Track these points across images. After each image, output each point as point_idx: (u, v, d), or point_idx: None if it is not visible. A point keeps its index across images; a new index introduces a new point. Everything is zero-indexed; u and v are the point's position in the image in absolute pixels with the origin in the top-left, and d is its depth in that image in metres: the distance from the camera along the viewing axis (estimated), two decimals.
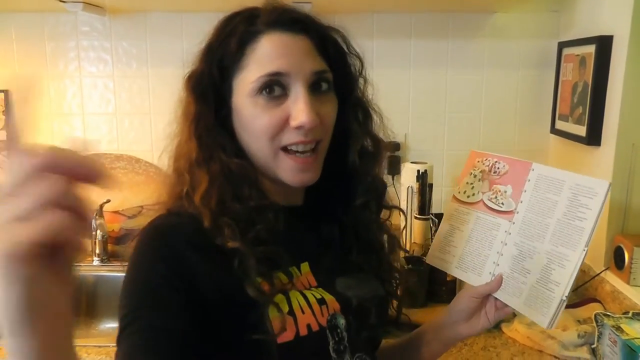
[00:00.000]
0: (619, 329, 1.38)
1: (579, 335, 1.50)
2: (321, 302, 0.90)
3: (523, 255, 1.06)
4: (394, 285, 1.09)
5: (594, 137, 1.80)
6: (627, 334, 1.35)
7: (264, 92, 0.88)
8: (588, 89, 1.82)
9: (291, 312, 0.85)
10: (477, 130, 2.13)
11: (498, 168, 1.14)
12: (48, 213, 0.44)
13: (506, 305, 1.07)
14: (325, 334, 0.89)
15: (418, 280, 1.64)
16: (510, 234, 1.09)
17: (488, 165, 1.17)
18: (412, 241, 1.82)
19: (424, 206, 1.80)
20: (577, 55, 1.92)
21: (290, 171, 0.91)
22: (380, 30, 2.11)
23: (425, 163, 1.86)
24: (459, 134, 2.16)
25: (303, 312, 0.87)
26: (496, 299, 1.08)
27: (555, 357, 1.51)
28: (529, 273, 1.05)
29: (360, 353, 0.94)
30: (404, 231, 1.84)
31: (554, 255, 1.02)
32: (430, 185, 1.80)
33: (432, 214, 1.83)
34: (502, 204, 1.12)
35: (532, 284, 1.03)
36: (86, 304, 1.94)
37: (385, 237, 1.09)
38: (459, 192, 1.21)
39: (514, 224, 1.09)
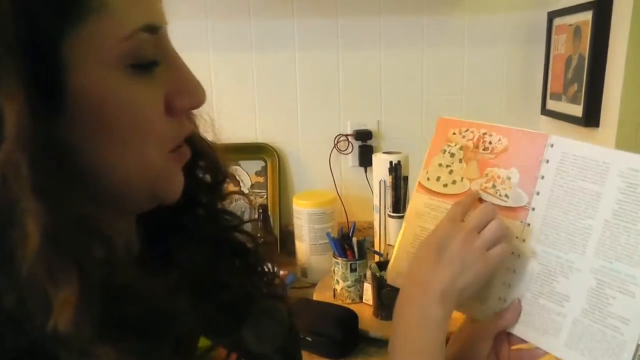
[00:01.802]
0: None
1: None
2: None
3: (551, 273, 0.74)
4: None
5: (591, 118, 1.59)
6: None
7: (137, 59, 0.50)
8: (584, 63, 1.60)
9: None
10: (458, 115, 1.85)
11: (490, 143, 0.81)
12: (501, 245, 0.74)
13: (532, 346, 0.77)
14: None
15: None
16: (524, 241, 0.77)
17: (472, 139, 0.83)
18: (387, 243, 1.57)
19: (398, 202, 1.52)
20: (571, 25, 1.69)
21: (179, 182, 0.58)
22: (345, 7, 1.85)
23: (400, 153, 1.60)
24: None
25: None
26: (511, 335, 0.79)
27: None
28: (568, 300, 0.73)
29: None
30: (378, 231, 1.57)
31: (608, 276, 0.70)
32: (406, 179, 1.53)
33: None
34: (506, 196, 0.79)
35: (576, 317, 0.72)
36: None
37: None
38: (427, 179, 0.85)
39: (528, 226, 0.77)
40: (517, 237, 0.77)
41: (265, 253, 0.73)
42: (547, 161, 0.77)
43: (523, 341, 0.78)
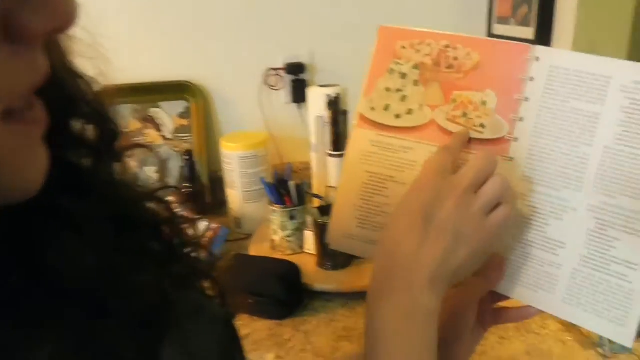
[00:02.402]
0: None
1: None
2: None
3: (541, 216, 0.61)
4: None
5: (544, 39, 1.48)
6: None
7: None
8: None
9: None
10: None
11: (456, 59, 0.63)
12: (504, 207, 0.58)
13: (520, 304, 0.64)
14: None
15: None
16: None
17: (431, 55, 0.65)
18: (327, 185, 1.41)
19: (338, 139, 1.37)
20: None
21: (35, 167, 0.33)
22: None
23: (338, 85, 1.43)
24: None
25: None
26: (495, 294, 0.66)
27: None
28: (563, 247, 0.60)
29: None
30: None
31: (610, 214, 0.58)
32: (345, 113, 1.37)
33: None
34: (482, 126, 0.63)
35: (574, 267, 0.60)
36: None
37: None
38: (372, 108, 0.67)
39: (511, 160, 0.62)
40: None
41: (186, 225, 0.51)
42: (532, 79, 0.62)
43: (508, 298, 0.65)
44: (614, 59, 0.59)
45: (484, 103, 0.63)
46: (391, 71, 0.66)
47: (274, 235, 1.34)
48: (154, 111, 1.65)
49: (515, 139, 0.62)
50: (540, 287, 0.62)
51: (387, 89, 0.66)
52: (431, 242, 0.55)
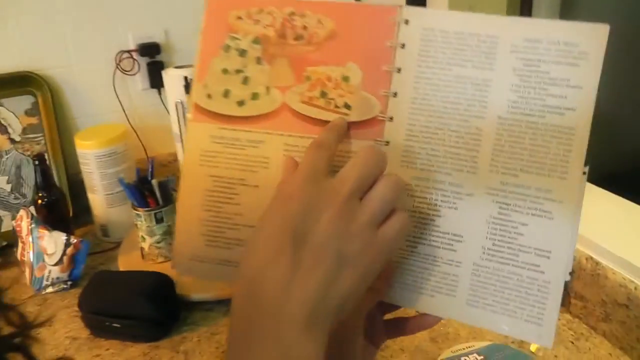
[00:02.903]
0: None
1: None
2: None
3: (431, 208, 0.51)
4: None
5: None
6: None
7: None
8: None
9: None
10: None
11: (305, 28, 0.51)
12: (398, 216, 0.45)
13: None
14: None
15: None
16: None
17: (273, 25, 0.53)
18: None
19: None
20: None
21: None
22: None
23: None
24: None
25: None
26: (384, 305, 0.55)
27: None
28: (460, 241, 0.51)
29: None
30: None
31: (513, 196, 0.50)
32: None
33: None
34: (347, 106, 0.51)
35: (476, 262, 0.51)
36: None
37: None
38: (208, 96, 0.54)
39: (387, 144, 0.51)
40: None
41: None
42: (403, 46, 0.51)
43: (399, 307, 0.54)
44: (499, 15, 0.49)
45: (345, 79, 0.51)
46: (227, 48, 0.52)
47: (142, 243, 1.19)
48: None
49: (390, 119, 0.51)
50: (438, 291, 0.51)
51: (225, 71, 0.52)
52: (304, 272, 0.42)
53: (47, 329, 1.02)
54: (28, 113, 1.46)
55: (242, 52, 0.52)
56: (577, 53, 0.47)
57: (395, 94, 0.51)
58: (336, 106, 0.51)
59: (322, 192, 0.44)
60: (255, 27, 0.52)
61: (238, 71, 0.52)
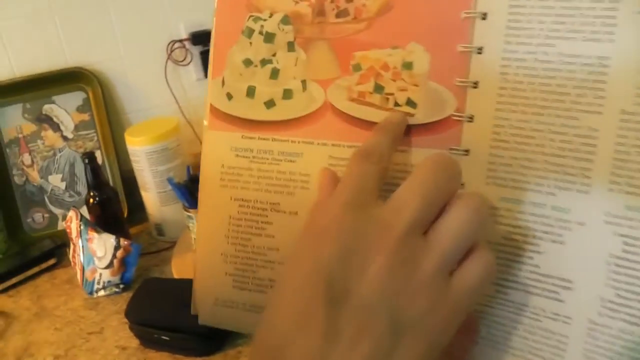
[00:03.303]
0: None
1: None
2: None
3: (529, 241, 0.37)
4: None
5: None
6: None
7: None
8: None
9: None
10: None
11: (349, 0, 0.40)
12: (480, 256, 0.33)
13: None
14: None
15: None
16: (463, 186, 0.38)
17: None
18: None
19: None
20: None
21: None
22: None
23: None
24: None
25: None
26: None
27: None
28: (570, 288, 0.37)
29: None
30: None
31: None
32: None
33: None
34: (411, 104, 0.39)
35: (592, 319, 0.37)
36: None
37: None
38: (229, 96, 0.43)
39: (467, 154, 0.38)
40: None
41: None
42: (484, 16, 0.37)
43: None
44: None
45: (407, 65, 0.38)
46: (248, 32, 0.41)
47: (195, 245, 1.10)
48: (48, 108, 1.40)
49: (470, 118, 0.38)
50: (537, 354, 0.38)
51: (247, 62, 0.41)
52: (345, 344, 0.30)
53: (97, 336, 0.99)
54: (80, 109, 1.42)
55: (269, 37, 0.40)
56: None
57: (475, 84, 0.37)
58: (396, 104, 0.39)
59: (369, 225, 0.32)
60: (284, 1, 0.40)
61: (264, 62, 0.40)
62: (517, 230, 0.37)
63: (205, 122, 0.42)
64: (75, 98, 1.41)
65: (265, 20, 0.40)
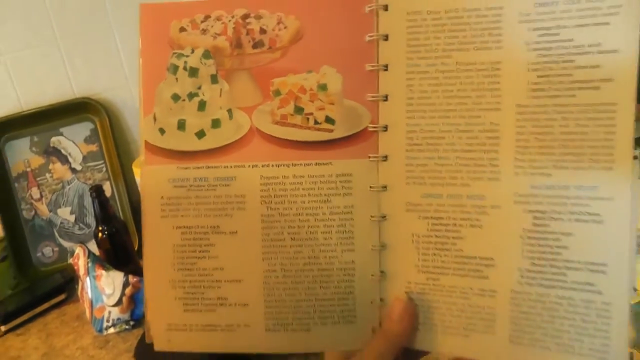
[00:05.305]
0: None
1: None
2: None
3: (449, 229, 0.42)
4: None
5: None
6: None
7: None
8: None
9: None
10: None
11: (264, 31, 0.41)
12: None
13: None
14: None
15: None
16: (387, 189, 0.43)
17: (224, 32, 0.43)
18: None
19: None
20: None
21: None
22: None
23: None
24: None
25: None
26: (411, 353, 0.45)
27: None
28: (492, 265, 0.42)
29: None
30: None
31: (548, 200, 0.40)
32: None
33: None
34: (329, 121, 0.43)
35: (514, 289, 0.42)
36: None
37: None
38: (161, 131, 0.45)
39: (385, 160, 0.42)
40: (371, 187, 0.42)
41: None
42: (386, 37, 0.42)
43: (425, 353, 0.45)
44: None
45: (322, 87, 0.42)
46: (173, 68, 0.43)
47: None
48: (56, 140, 1.38)
49: (384, 128, 0.42)
50: (472, 329, 0.42)
51: (175, 97, 0.43)
52: None
53: None
54: (87, 140, 1.40)
55: (193, 71, 0.43)
56: (605, 8, 0.37)
57: (385, 97, 0.42)
58: (316, 121, 0.42)
59: None
60: (203, 38, 0.43)
61: (191, 95, 0.43)
62: (440, 221, 0.41)
63: (142, 158, 0.44)
64: (82, 129, 1.39)
65: (187, 56, 0.43)
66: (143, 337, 0.91)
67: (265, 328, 0.44)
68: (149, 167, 0.44)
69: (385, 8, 0.41)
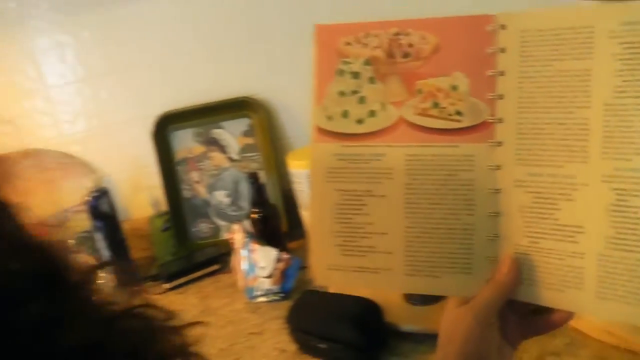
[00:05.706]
0: None
1: None
2: None
3: (549, 201, 0.51)
4: None
5: None
6: None
7: None
8: None
9: None
10: None
11: (411, 45, 0.55)
12: None
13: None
14: None
15: None
16: (499, 167, 0.53)
17: (381, 46, 0.57)
18: None
19: None
20: None
21: None
22: None
23: None
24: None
25: None
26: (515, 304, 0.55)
27: None
28: (582, 232, 0.50)
29: None
30: None
31: (630, 181, 0.49)
32: None
33: None
34: (459, 114, 0.54)
35: (600, 252, 0.50)
36: None
37: None
38: (329, 118, 0.58)
39: (500, 145, 0.53)
40: (488, 166, 0.54)
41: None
42: (503, 50, 0.53)
43: (531, 306, 0.55)
44: (591, 3, 0.49)
45: (454, 88, 0.54)
46: (340, 72, 0.58)
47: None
48: (216, 132, 1.54)
49: (499, 120, 0.53)
50: (566, 285, 0.51)
51: (341, 93, 0.58)
52: None
53: (257, 337, 1.04)
54: (245, 134, 1.51)
55: (356, 75, 0.57)
56: None
57: (501, 96, 0.53)
58: (449, 114, 0.54)
59: None
60: (364, 50, 0.57)
61: (354, 92, 0.57)
62: (541, 195, 0.51)
63: (312, 137, 0.59)
64: (241, 124, 1.51)
65: (352, 63, 0.57)
66: (294, 306, 1.02)
67: (405, 273, 0.56)
68: (318, 144, 0.59)
69: (503, 27, 0.53)
